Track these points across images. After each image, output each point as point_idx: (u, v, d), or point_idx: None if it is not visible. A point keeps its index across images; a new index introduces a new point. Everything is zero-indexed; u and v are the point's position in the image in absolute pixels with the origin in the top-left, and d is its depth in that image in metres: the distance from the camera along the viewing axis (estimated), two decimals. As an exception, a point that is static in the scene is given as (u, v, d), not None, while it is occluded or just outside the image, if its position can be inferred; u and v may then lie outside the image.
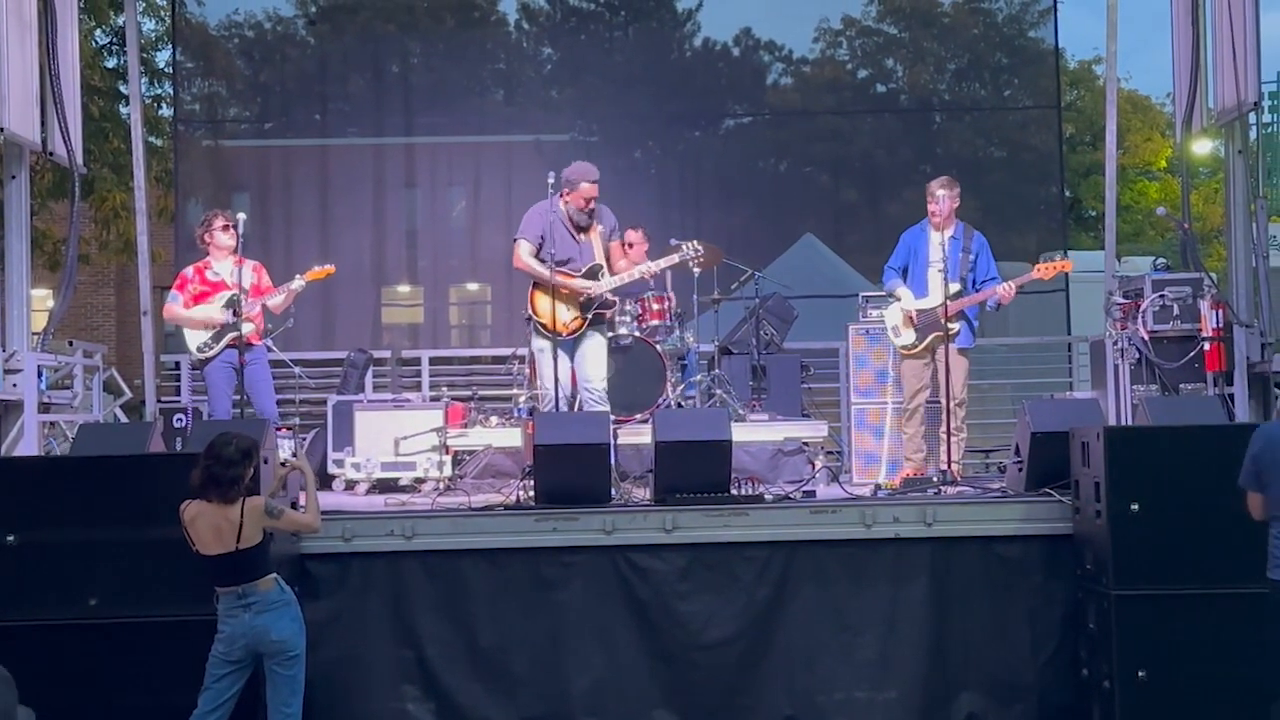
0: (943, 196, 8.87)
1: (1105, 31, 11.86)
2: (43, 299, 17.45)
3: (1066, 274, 11.51)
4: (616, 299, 9.17)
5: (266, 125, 16.21)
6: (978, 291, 8.84)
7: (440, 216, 15.71)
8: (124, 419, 11.04)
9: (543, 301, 8.80)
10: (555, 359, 8.79)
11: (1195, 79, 9.87)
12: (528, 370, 10.26)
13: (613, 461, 7.98)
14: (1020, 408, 8.09)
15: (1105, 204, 12.24)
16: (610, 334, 9.36)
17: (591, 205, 8.92)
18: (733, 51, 17.10)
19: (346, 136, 15.75)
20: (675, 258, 9.22)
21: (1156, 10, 11.85)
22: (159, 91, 18.57)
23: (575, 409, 8.89)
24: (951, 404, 8.67)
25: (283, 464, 6.93)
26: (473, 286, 16.52)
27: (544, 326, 8.81)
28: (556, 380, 8.79)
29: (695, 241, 9.29)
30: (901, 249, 9.15)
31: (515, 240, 8.97)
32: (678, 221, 14.04)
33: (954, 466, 8.62)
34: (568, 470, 7.62)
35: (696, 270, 10.18)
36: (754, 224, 15.26)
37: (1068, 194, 20.18)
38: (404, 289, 15.86)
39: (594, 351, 8.96)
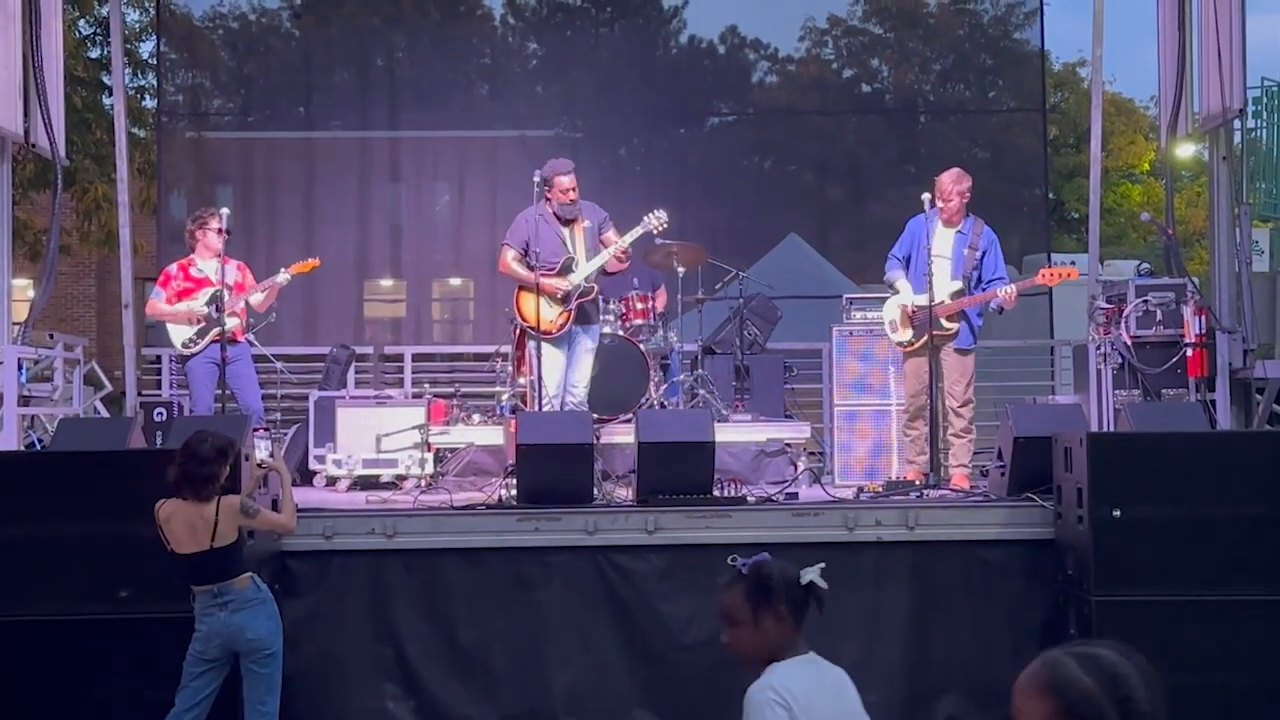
0: (955, 195, 8.55)
1: (1091, 36, 11.86)
2: (23, 289, 17.35)
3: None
4: (595, 286, 9.11)
5: (250, 118, 16.14)
6: (982, 291, 8.59)
7: (424, 211, 15.68)
8: (104, 412, 10.99)
9: (527, 303, 8.89)
10: (539, 355, 8.83)
11: (1180, 85, 9.90)
12: (510, 368, 10.25)
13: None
14: (1003, 412, 8.09)
15: (1089, 209, 12.26)
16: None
17: (572, 196, 9.00)
18: (718, 49, 17.08)
19: (331, 130, 15.68)
20: (638, 230, 9.12)
21: (1141, 14, 11.88)
22: (142, 83, 18.48)
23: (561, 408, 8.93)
24: (947, 405, 8.58)
25: (260, 464, 6.90)
26: (455, 281, 16.49)
27: (532, 328, 8.86)
28: (541, 378, 8.83)
29: (658, 211, 9.21)
30: (906, 237, 8.80)
31: (501, 245, 9.07)
32: (662, 219, 14.01)
33: (960, 470, 8.59)
34: (550, 470, 7.59)
35: (681, 270, 10.19)
36: (738, 222, 15.22)
37: (1050, 196, 20.20)
38: (387, 283, 15.82)
39: (582, 356, 9.03)
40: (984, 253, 8.60)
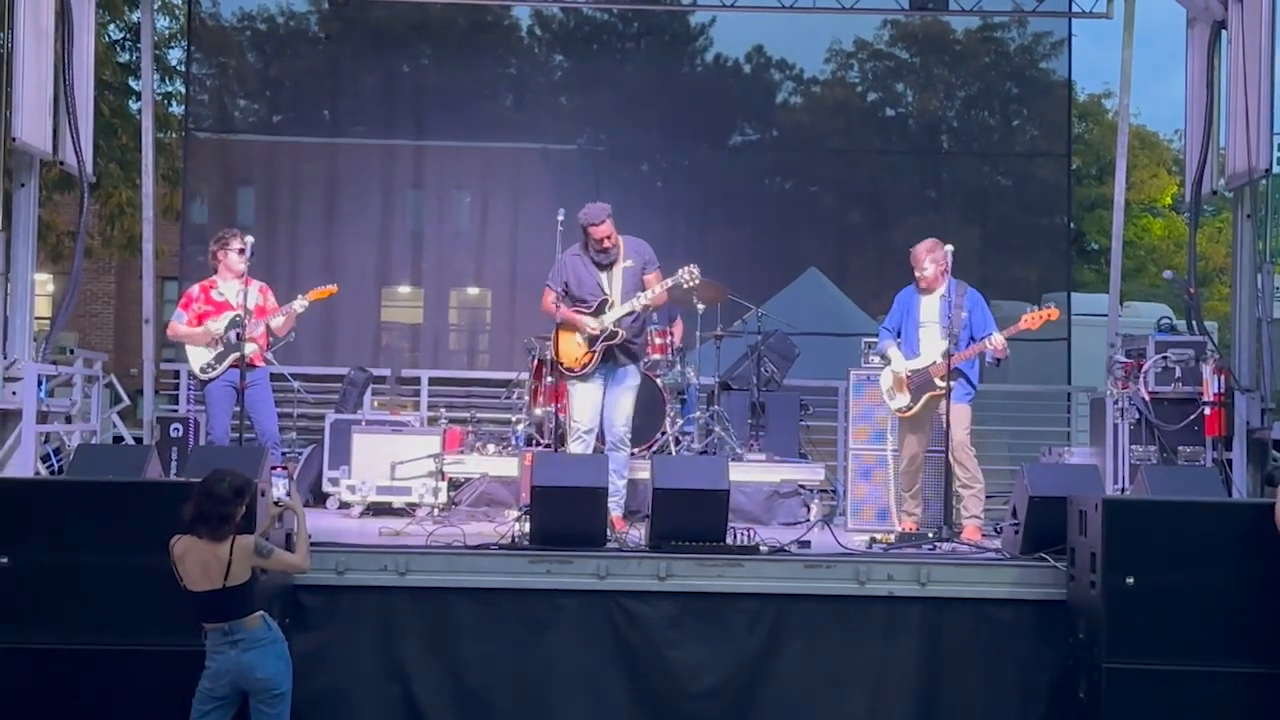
0: (929, 263, 8.74)
1: (1120, 83, 11.89)
2: (43, 283, 17.40)
3: (1069, 324, 11.41)
4: (622, 331, 8.76)
5: (275, 119, 16.17)
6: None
7: (445, 219, 15.69)
8: (121, 425, 11.02)
9: (563, 342, 8.79)
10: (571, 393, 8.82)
11: (1207, 145, 9.85)
12: (527, 397, 10.27)
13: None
14: (1019, 471, 8.06)
15: (1111, 262, 12.27)
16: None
17: (606, 244, 8.70)
18: (744, 69, 17.09)
19: (355, 135, 15.69)
20: (669, 281, 8.87)
21: (1165, 47, 11.88)
22: (169, 89, 18.46)
23: (598, 442, 8.90)
24: (952, 457, 8.60)
25: (276, 502, 6.92)
26: (474, 291, 16.50)
27: (564, 366, 8.80)
28: (554, 416, 8.81)
29: (692, 266, 9.00)
30: (896, 309, 9.04)
31: (545, 286, 8.94)
32: (682, 237, 14.03)
33: (972, 522, 8.62)
34: (564, 512, 7.60)
35: (701, 306, 10.18)
36: (758, 244, 15.22)
37: (1071, 226, 20.14)
38: (405, 290, 15.85)
39: (620, 396, 8.85)
40: (970, 312, 8.71)
